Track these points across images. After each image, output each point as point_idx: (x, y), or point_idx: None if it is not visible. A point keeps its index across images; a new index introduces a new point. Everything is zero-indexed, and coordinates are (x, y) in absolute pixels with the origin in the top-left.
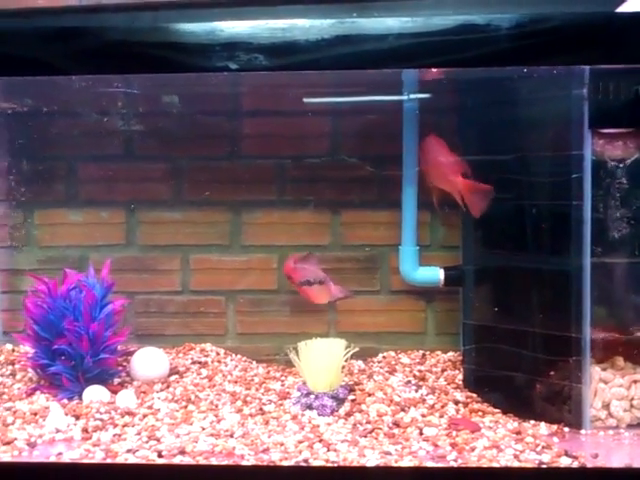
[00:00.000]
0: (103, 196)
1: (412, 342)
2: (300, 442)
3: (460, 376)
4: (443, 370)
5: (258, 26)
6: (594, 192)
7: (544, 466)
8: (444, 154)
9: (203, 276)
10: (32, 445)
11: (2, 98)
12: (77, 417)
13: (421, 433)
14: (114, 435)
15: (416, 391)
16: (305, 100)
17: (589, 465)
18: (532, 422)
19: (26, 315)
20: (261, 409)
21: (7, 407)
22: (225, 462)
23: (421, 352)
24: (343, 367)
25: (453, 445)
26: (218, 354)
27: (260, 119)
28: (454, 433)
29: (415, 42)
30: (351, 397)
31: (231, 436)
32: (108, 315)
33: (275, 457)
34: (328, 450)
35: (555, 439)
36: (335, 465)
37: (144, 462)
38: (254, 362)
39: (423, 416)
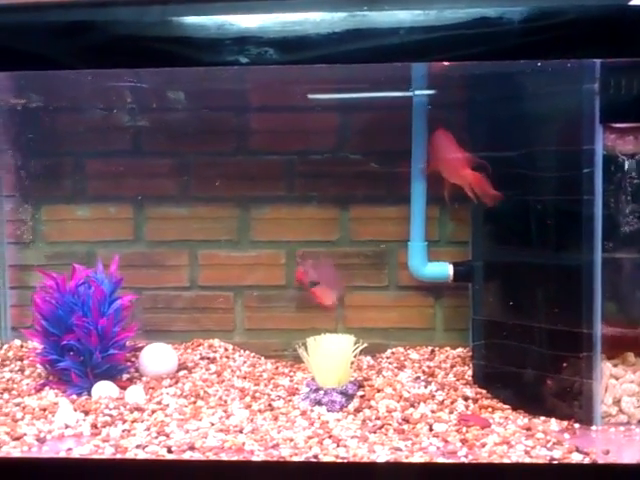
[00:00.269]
0: (111, 192)
1: (421, 338)
2: (310, 438)
3: (469, 372)
4: (452, 366)
5: (268, 19)
6: (605, 187)
7: (555, 462)
8: (453, 148)
9: (211, 272)
10: (41, 441)
11: (11, 94)
12: (86, 413)
13: (431, 429)
14: (123, 431)
15: (425, 387)
16: (314, 96)
17: (600, 461)
18: (542, 418)
19: (35, 311)
20: (270, 405)
21: (16, 403)
22: (235, 458)
23: (430, 348)
24: (352, 363)
25: (463, 441)
26: (226, 350)
27: (268, 114)
28: (464, 429)
29: (426, 35)
30: (360, 393)
31: (240, 432)
32: (117, 310)
33: (285, 453)
34: (338, 446)
35: (566, 435)
36: (345, 461)
37: (154, 457)
38: (262, 358)
39: (433, 412)
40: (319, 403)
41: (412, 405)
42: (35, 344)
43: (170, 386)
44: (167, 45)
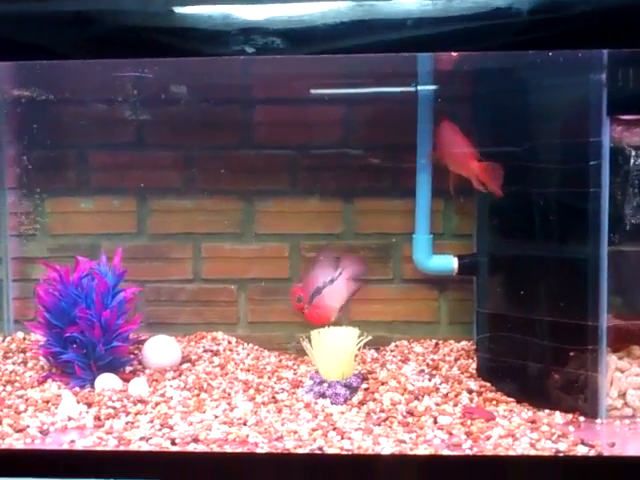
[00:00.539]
0: (114, 184)
1: (425, 331)
2: (314, 430)
3: (474, 365)
4: (456, 359)
5: (274, 9)
6: (611, 179)
7: (561, 455)
8: (459, 140)
9: (215, 265)
10: (45, 433)
11: (15, 86)
12: (89, 405)
13: (435, 422)
14: (127, 423)
15: (429, 380)
16: (318, 88)
17: (606, 454)
18: (547, 411)
19: (38, 303)
20: (274, 397)
21: (19, 395)
22: (239, 450)
23: (434, 341)
24: (356, 356)
25: (468, 434)
26: (230, 343)
27: (273, 107)
28: (469, 422)
29: (434, 26)
30: (364, 386)
31: (244, 424)
32: (120, 303)
33: (289, 445)
34: (342, 438)
35: (571, 428)
36: (350, 453)
37: (158, 449)
38: (266, 351)
39: (437, 405)
40: (323, 396)
41: (416, 398)
42: (38, 336)
43: (173, 379)
44: (172, 35)
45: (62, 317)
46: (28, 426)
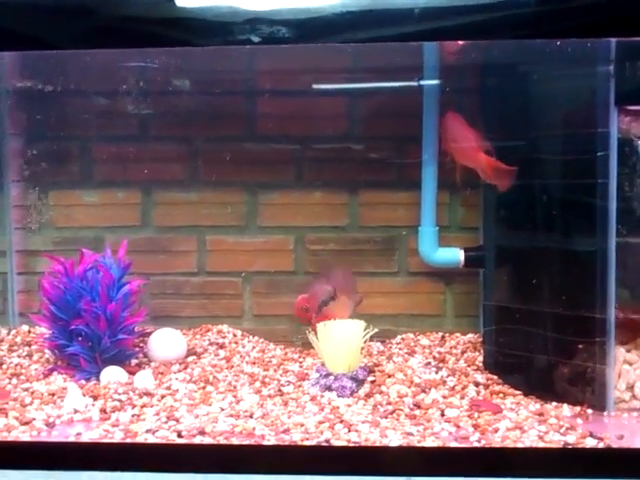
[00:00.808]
0: (119, 177)
1: (431, 324)
2: (321, 423)
3: (480, 358)
4: (463, 352)
5: None
6: (619, 170)
7: (570, 447)
8: (465, 131)
9: (219, 257)
10: (51, 425)
11: (19, 78)
12: (95, 398)
13: (443, 414)
14: (133, 415)
15: (436, 372)
16: (324, 80)
17: (615, 446)
18: (554, 404)
19: (43, 295)
20: (280, 390)
21: (25, 388)
22: (246, 442)
23: (440, 334)
24: (362, 348)
25: (475, 426)
26: (235, 335)
27: (278, 99)
28: (476, 415)
29: (442, 15)
30: (371, 378)
31: (251, 417)
32: (125, 295)
33: (296, 437)
34: (349, 431)
35: (579, 420)
36: (357, 445)
37: (164, 442)
38: (271, 343)
39: (444, 397)
40: (329, 388)
41: (423, 391)
42: (43, 329)
43: (179, 371)
44: (176, 25)
45: (67, 310)
46: (34, 419)
